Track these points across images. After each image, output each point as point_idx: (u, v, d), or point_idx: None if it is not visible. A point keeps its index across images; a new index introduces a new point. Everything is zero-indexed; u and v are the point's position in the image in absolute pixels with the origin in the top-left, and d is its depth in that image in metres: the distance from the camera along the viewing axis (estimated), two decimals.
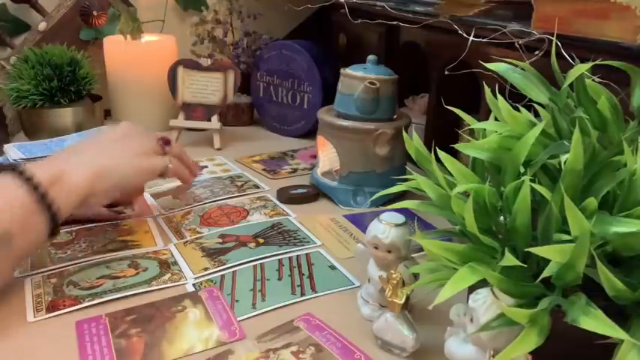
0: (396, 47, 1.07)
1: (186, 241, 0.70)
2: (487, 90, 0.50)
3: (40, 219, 0.55)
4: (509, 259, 0.39)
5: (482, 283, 0.41)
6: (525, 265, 0.40)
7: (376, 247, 0.53)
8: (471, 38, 0.68)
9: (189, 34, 1.19)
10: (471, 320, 0.42)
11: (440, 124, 0.92)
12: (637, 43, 0.51)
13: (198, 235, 0.72)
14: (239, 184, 0.88)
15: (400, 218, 0.53)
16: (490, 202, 0.45)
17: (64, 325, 0.53)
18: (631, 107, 0.47)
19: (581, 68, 0.45)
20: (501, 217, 0.46)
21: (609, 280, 0.36)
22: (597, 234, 0.37)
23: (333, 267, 0.65)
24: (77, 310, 0.56)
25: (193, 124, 1.06)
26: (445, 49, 0.82)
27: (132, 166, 0.65)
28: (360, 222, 0.77)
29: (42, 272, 0.62)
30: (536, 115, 0.50)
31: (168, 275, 0.62)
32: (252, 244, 0.69)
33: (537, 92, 0.49)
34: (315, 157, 0.92)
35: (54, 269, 0.63)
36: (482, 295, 0.42)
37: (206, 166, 0.96)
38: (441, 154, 0.49)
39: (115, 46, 1.12)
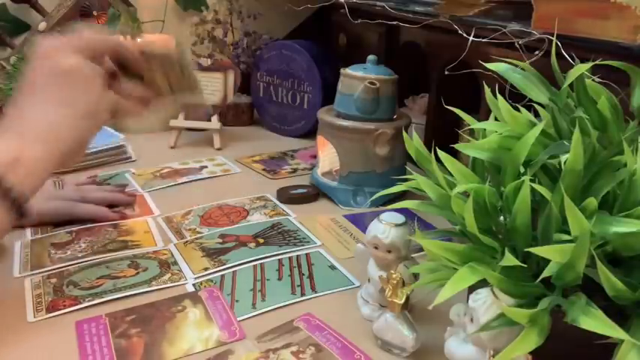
0: (396, 47, 1.07)
1: (186, 241, 0.70)
2: (487, 90, 0.50)
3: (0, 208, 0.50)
4: (509, 259, 0.39)
5: (482, 283, 0.41)
6: (525, 265, 0.40)
7: (376, 247, 0.53)
8: (471, 38, 0.68)
9: (189, 34, 1.19)
10: (471, 320, 0.42)
11: (440, 124, 0.92)
12: (637, 43, 0.51)
13: (198, 235, 0.72)
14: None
15: (400, 218, 0.53)
16: (490, 202, 0.45)
17: (64, 325, 0.53)
18: (631, 107, 0.47)
19: (581, 68, 0.45)
20: (501, 217, 0.46)
21: (609, 280, 0.36)
22: (597, 234, 0.37)
23: (333, 267, 0.65)
24: (77, 310, 0.56)
25: (193, 124, 1.06)
26: (445, 49, 0.82)
27: (93, 127, 0.58)
28: (360, 222, 0.77)
29: (42, 272, 0.62)
30: (536, 115, 0.50)
31: (168, 275, 0.62)
32: (252, 244, 0.69)
33: (537, 92, 0.49)
34: (315, 157, 0.92)
35: (54, 269, 0.63)
36: (482, 295, 0.42)
37: (206, 166, 0.96)
38: (441, 154, 0.49)
39: None
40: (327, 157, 0.88)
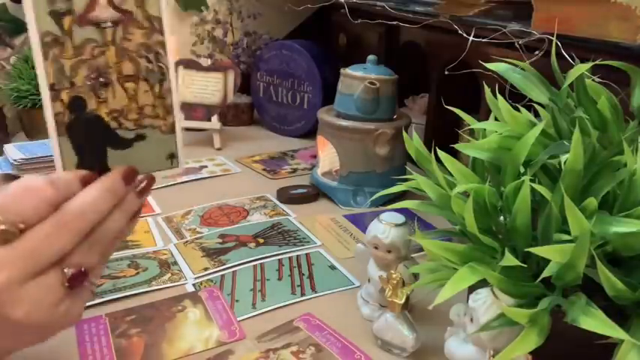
0: (396, 47, 1.07)
1: (186, 241, 0.70)
2: (487, 90, 0.50)
3: None
4: (509, 259, 0.39)
5: (482, 283, 0.41)
6: (525, 265, 0.40)
7: (376, 247, 0.53)
8: (471, 38, 0.68)
9: (190, 34, 1.19)
10: (471, 320, 0.42)
11: (440, 124, 0.92)
12: (637, 43, 0.51)
13: (198, 235, 0.72)
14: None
15: (400, 218, 0.53)
16: (490, 202, 0.45)
17: None
18: (631, 107, 0.47)
19: (581, 68, 0.45)
20: (501, 217, 0.46)
21: (609, 280, 0.36)
22: (597, 234, 0.37)
23: (333, 267, 0.65)
24: None
25: (193, 124, 1.06)
26: (445, 49, 0.82)
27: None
28: (360, 222, 0.77)
29: None
30: (536, 115, 0.50)
31: (168, 275, 0.62)
32: (252, 244, 0.69)
33: (537, 92, 0.49)
34: (315, 157, 0.92)
35: None
36: (482, 295, 0.42)
37: (206, 166, 0.96)
38: (441, 154, 0.49)
39: None
40: (327, 157, 0.87)
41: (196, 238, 0.71)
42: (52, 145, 0.38)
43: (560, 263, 0.38)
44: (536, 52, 0.60)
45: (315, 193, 0.84)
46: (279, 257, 0.67)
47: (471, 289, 0.42)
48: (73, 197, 0.36)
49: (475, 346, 0.43)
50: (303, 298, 0.59)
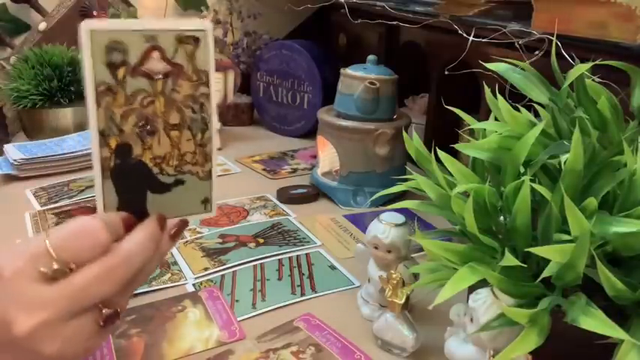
0: (396, 47, 1.07)
1: (186, 241, 0.70)
2: (487, 90, 0.50)
3: None
4: (509, 259, 0.39)
5: (482, 283, 0.41)
6: (525, 265, 0.40)
7: (376, 247, 0.53)
8: (471, 38, 0.68)
9: None
10: (471, 320, 0.42)
11: (440, 124, 0.92)
12: (637, 43, 0.51)
13: (198, 235, 0.72)
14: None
15: (400, 218, 0.53)
16: (490, 202, 0.45)
17: None
18: (631, 107, 0.47)
19: (581, 68, 0.45)
20: (501, 217, 0.46)
21: (609, 280, 0.36)
22: (597, 234, 0.37)
23: (333, 267, 0.65)
24: None
25: None
26: (445, 49, 0.82)
27: None
28: (360, 222, 0.77)
29: None
30: (536, 115, 0.50)
31: (168, 275, 0.62)
32: (252, 244, 0.69)
33: (537, 92, 0.49)
34: (315, 157, 0.92)
35: None
36: (482, 295, 0.42)
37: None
38: (441, 154, 0.49)
39: None
40: (327, 157, 0.87)
41: (196, 238, 0.71)
42: (95, 187, 0.39)
43: (560, 263, 0.38)
44: (536, 52, 0.60)
45: (315, 193, 0.84)
46: (279, 257, 0.67)
47: (471, 289, 0.42)
48: (120, 243, 0.37)
49: (475, 346, 0.43)
50: (303, 298, 0.59)
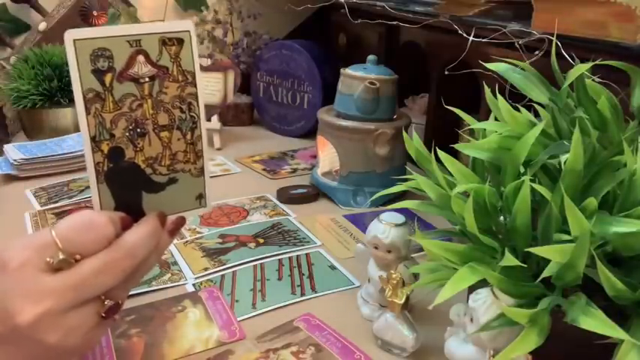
0: (396, 47, 1.07)
1: (186, 241, 0.70)
2: (487, 90, 0.50)
3: None
4: (509, 259, 0.39)
5: (482, 283, 0.41)
6: (525, 265, 0.40)
7: (376, 247, 0.53)
8: (471, 38, 0.68)
9: None
10: (471, 320, 0.42)
11: (440, 124, 0.92)
12: (637, 43, 0.51)
13: (198, 235, 0.72)
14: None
15: (400, 218, 0.53)
16: (490, 202, 0.45)
17: None
18: (631, 107, 0.47)
19: (581, 68, 0.45)
20: (501, 217, 0.46)
21: (609, 280, 0.36)
22: (597, 234, 0.37)
23: (333, 267, 0.65)
24: None
25: None
26: (445, 49, 0.82)
27: None
28: (360, 222, 0.77)
29: None
30: (536, 115, 0.50)
31: (168, 275, 0.62)
32: (252, 244, 0.69)
33: (537, 92, 0.49)
34: (315, 157, 0.92)
35: None
36: (482, 295, 0.42)
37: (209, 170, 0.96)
38: (441, 154, 0.49)
39: None
40: (327, 157, 0.87)
41: (196, 238, 0.71)
42: (92, 191, 0.40)
43: (560, 263, 0.38)
44: (536, 52, 0.60)
45: (315, 193, 0.84)
46: (279, 257, 0.67)
47: (471, 289, 0.42)
48: (124, 236, 0.39)
49: (475, 346, 0.43)
50: (303, 298, 0.59)
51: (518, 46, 0.62)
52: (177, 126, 0.42)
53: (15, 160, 0.88)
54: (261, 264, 0.65)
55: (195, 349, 0.51)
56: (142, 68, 0.39)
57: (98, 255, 0.37)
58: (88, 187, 0.84)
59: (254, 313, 0.56)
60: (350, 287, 0.61)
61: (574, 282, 0.38)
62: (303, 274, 0.63)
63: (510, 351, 0.37)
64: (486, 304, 0.41)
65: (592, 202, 0.39)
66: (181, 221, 0.44)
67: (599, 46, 0.54)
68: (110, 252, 0.38)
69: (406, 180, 0.53)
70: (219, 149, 1.05)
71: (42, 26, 1.13)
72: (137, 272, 0.40)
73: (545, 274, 0.39)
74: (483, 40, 0.67)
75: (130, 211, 0.41)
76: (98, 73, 0.38)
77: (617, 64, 0.47)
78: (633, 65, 0.47)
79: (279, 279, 0.62)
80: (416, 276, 0.52)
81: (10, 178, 0.88)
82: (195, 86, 0.42)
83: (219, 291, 0.59)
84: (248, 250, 0.68)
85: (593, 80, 0.48)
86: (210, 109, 1.05)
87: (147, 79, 0.40)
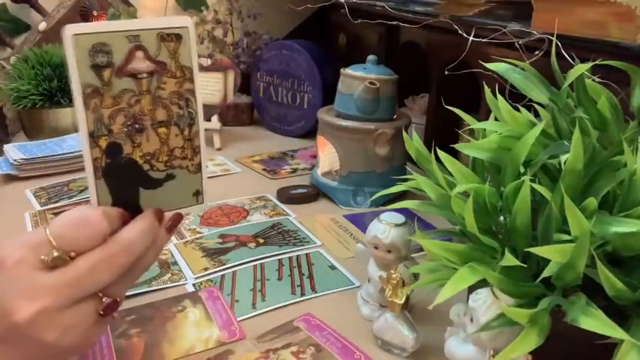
0: (396, 47, 1.07)
1: (186, 241, 0.70)
2: (487, 90, 0.50)
3: None
4: (509, 259, 0.39)
5: (482, 283, 0.41)
6: (525, 265, 0.40)
7: (376, 247, 0.53)
8: (471, 38, 0.68)
9: None
10: (471, 320, 0.42)
11: (440, 124, 0.92)
12: (637, 43, 0.51)
13: (198, 235, 0.72)
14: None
15: (400, 218, 0.53)
16: (490, 202, 0.45)
17: None
18: (631, 107, 0.47)
19: (581, 68, 0.45)
20: (501, 217, 0.46)
21: (609, 280, 0.36)
22: (597, 234, 0.37)
23: (333, 267, 0.65)
24: None
25: None
26: (445, 49, 0.82)
27: None
28: (360, 222, 0.77)
29: None
30: (536, 115, 0.50)
31: (168, 275, 0.62)
32: (252, 244, 0.69)
33: (537, 92, 0.49)
34: (315, 157, 0.92)
35: None
36: (482, 295, 0.42)
37: (206, 166, 0.96)
38: (441, 154, 0.49)
39: None
40: (327, 157, 0.87)
41: (196, 238, 0.71)
42: (89, 187, 0.40)
43: (560, 263, 0.38)
44: (536, 52, 0.60)
45: (315, 193, 0.84)
46: (279, 257, 0.67)
47: (471, 289, 0.42)
48: (120, 232, 0.39)
49: (475, 346, 0.43)
50: (303, 298, 0.59)
51: (518, 46, 0.62)
52: (175, 122, 0.42)
53: (15, 160, 0.88)
54: (261, 264, 0.65)
55: (195, 349, 0.51)
56: (140, 64, 0.39)
57: (94, 251, 0.37)
58: (87, 187, 0.85)
59: (254, 313, 0.56)
60: (350, 287, 0.61)
61: (574, 282, 0.38)
62: (303, 274, 0.63)
63: (510, 351, 0.37)
64: (486, 304, 0.41)
65: (592, 202, 0.39)
66: (179, 218, 0.44)
67: (599, 46, 0.54)
68: (106, 248, 0.37)
69: (406, 180, 0.53)
70: (219, 149, 1.05)
71: (42, 26, 1.13)
72: (135, 269, 0.40)
73: (545, 274, 0.39)
74: (483, 40, 0.67)
75: (127, 207, 0.41)
76: (97, 69, 0.38)
77: (617, 64, 0.47)
78: (633, 65, 0.47)
79: (279, 279, 0.62)
80: (416, 276, 0.52)
81: (10, 178, 0.88)
82: (193, 82, 0.42)
83: (219, 291, 0.59)
84: (248, 250, 0.68)
85: (593, 80, 0.48)
86: (210, 109, 1.05)
87: (145, 75, 0.40)
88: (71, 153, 0.92)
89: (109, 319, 0.40)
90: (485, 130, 0.49)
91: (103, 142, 0.39)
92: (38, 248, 0.36)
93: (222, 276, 0.62)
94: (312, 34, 1.26)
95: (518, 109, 0.48)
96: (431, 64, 0.92)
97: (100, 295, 0.38)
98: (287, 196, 0.83)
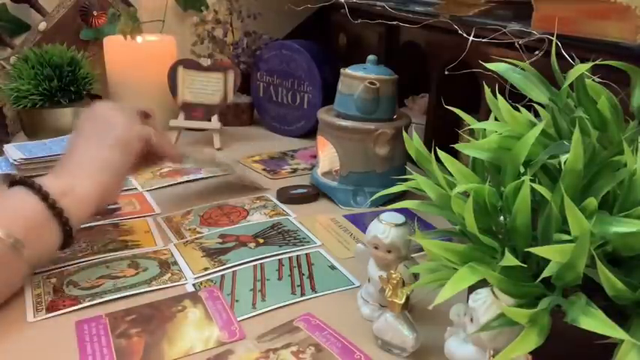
0: (396, 47, 1.07)
1: (186, 241, 0.70)
2: (487, 90, 0.50)
3: (51, 229, 0.57)
4: (509, 259, 0.39)
5: (482, 283, 0.41)
6: (525, 265, 0.40)
7: (376, 247, 0.53)
8: (471, 38, 0.68)
9: (190, 34, 1.19)
10: (471, 320, 0.42)
11: (440, 124, 0.92)
12: (637, 43, 0.51)
13: (198, 235, 0.72)
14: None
15: (400, 218, 0.53)
16: (490, 202, 0.45)
17: (64, 325, 0.53)
18: (631, 107, 0.47)
19: (581, 68, 0.45)
20: (501, 217, 0.46)
21: (609, 280, 0.36)
22: (597, 234, 0.37)
23: (333, 267, 0.65)
24: (77, 310, 0.56)
25: (193, 124, 1.06)
26: (445, 49, 0.82)
27: (125, 155, 0.67)
28: (360, 222, 0.77)
29: (42, 272, 0.62)
30: (536, 115, 0.50)
31: (168, 275, 0.62)
32: (252, 244, 0.69)
33: (537, 92, 0.49)
34: (315, 157, 0.92)
35: (54, 269, 0.62)
36: (482, 295, 0.42)
37: None
38: (441, 154, 0.49)
39: (115, 46, 1.12)
40: (327, 157, 0.88)
41: (196, 238, 0.71)
42: None
43: (560, 263, 0.38)
44: (536, 52, 0.60)
45: (315, 193, 0.84)
46: (279, 257, 0.67)
47: (471, 289, 0.42)
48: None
49: (475, 346, 0.43)
50: (303, 298, 0.59)
51: (518, 46, 0.62)
52: None
53: (15, 160, 0.87)
54: (261, 264, 0.65)
55: (195, 349, 0.51)
56: None
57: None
58: None
59: (254, 313, 0.56)
60: (350, 287, 0.61)
61: (574, 282, 0.38)
62: (303, 274, 0.63)
63: (510, 351, 0.37)
64: (486, 304, 0.41)
65: (592, 202, 0.39)
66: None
67: (599, 46, 0.54)
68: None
69: (406, 180, 0.53)
70: (219, 149, 1.05)
71: (42, 26, 1.13)
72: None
73: (545, 274, 0.39)
74: (483, 40, 0.67)
75: None
76: None
77: (617, 64, 0.47)
78: (633, 65, 0.47)
79: (279, 279, 0.62)
80: (416, 276, 0.52)
81: (10, 178, 0.88)
82: None
83: (219, 291, 0.59)
84: (248, 250, 0.68)
85: (593, 80, 0.48)
86: (210, 109, 1.05)
87: None
88: None
89: (141, 128, 0.69)
90: (485, 130, 0.49)
91: None
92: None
93: (222, 276, 0.62)
94: (312, 34, 1.26)
95: (518, 109, 0.48)
96: (431, 64, 0.92)
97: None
98: (287, 196, 0.83)
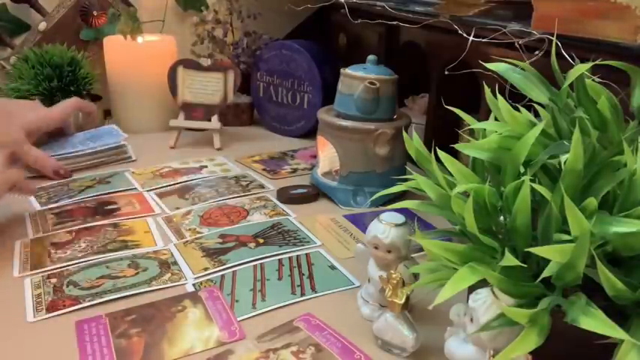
0: (396, 47, 1.07)
1: (186, 241, 0.70)
2: (487, 90, 0.50)
3: None
4: (509, 259, 0.39)
5: (482, 283, 0.41)
6: (525, 265, 0.40)
7: (376, 247, 0.53)
8: (471, 38, 0.68)
9: (190, 34, 1.19)
10: (471, 320, 0.42)
11: (440, 124, 0.92)
12: (637, 43, 0.51)
13: (198, 235, 0.72)
14: (244, 183, 0.88)
15: (400, 218, 0.53)
16: (490, 202, 0.45)
17: (64, 325, 0.53)
18: (631, 107, 0.47)
19: (581, 68, 0.45)
20: (501, 217, 0.46)
21: (609, 280, 0.36)
22: (597, 234, 0.37)
23: (333, 267, 0.65)
24: (77, 310, 0.56)
25: (193, 124, 1.06)
26: (445, 49, 0.82)
27: None
28: (360, 222, 0.77)
29: (42, 272, 0.62)
30: (536, 115, 0.50)
31: (168, 275, 0.62)
32: (252, 244, 0.69)
33: (537, 92, 0.49)
34: (315, 157, 0.92)
35: (54, 269, 0.63)
36: (482, 295, 0.42)
37: (206, 166, 0.96)
38: (441, 154, 0.49)
39: (115, 46, 1.12)
40: (327, 157, 0.88)
41: (196, 238, 0.71)
42: None
43: (560, 263, 0.38)
44: (536, 52, 0.60)
45: (315, 193, 0.84)
46: (279, 257, 0.67)
47: (471, 289, 0.42)
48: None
49: (475, 346, 0.43)
50: (303, 298, 0.59)
51: (518, 46, 0.62)
52: None
53: None
54: (261, 264, 0.65)
55: (195, 349, 0.51)
56: None
57: None
58: (88, 187, 0.85)
59: (254, 313, 0.56)
60: (350, 287, 0.61)
61: (574, 282, 0.38)
62: (303, 274, 0.63)
63: (510, 351, 0.37)
64: (486, 304, 0.41)
65: (592, 202, 0.39)
66: None
67: (599, 46, 0.54)
68: None
69: (406, 180, 0.53)
70: (219, 149, 1.05)
71: (42, 26, 1.13)
72: None
73: (545, 274, 0.39)
74: (483, 40, 0.67)
75: None
76: None
77: (617, 64, 0.47)
78: (633, 65, 0.47)
79: (279, 279, 0.62)
80: (416, 276, 0.52)
81: None
82: None
83: (219, 291, 0.59)
84: (248, 250, 0.68)
85: (593, 80, 0.48)
86: (210, 109, 1.05)
87: None
88: (71, 153, 0.92)
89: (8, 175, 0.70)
90: (485, 130, 0.49)
91: None
92: None
93: (222, 276, 0.62)
94: (312, 34, 1.26)
95: (518, 109, 0.48)
96: (431, 64, 0.92)
97: None
98: (287, 196, 0.83)
